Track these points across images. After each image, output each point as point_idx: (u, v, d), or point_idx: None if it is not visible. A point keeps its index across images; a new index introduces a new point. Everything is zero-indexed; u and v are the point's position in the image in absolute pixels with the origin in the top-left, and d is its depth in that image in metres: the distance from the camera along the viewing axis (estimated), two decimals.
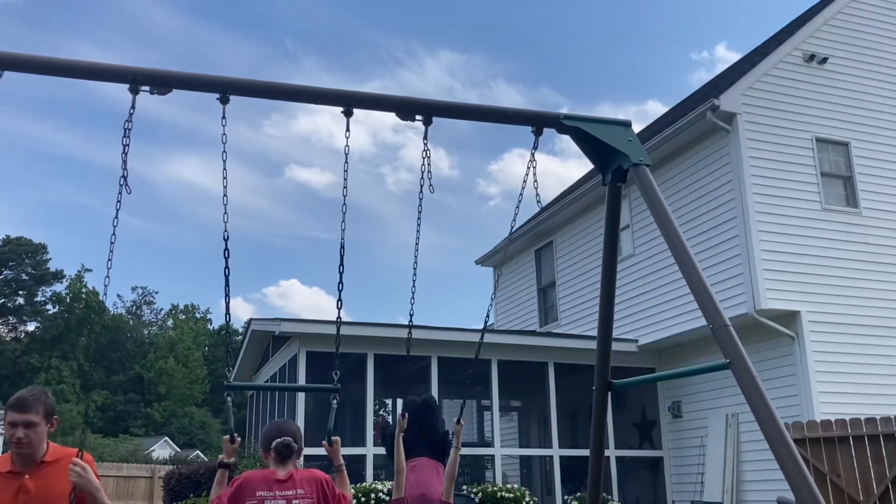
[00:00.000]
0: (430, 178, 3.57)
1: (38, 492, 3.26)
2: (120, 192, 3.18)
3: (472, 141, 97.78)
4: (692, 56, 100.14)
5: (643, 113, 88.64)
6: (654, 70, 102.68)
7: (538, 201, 3.73)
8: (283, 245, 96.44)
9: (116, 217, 3.12)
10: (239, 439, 3.49)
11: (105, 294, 3.23)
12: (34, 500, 3.25)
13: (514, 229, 3.99)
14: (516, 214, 3.81)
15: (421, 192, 3.63)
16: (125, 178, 3.18)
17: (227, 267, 3.35)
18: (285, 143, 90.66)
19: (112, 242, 3.13)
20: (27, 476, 3.28)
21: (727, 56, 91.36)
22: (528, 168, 3.65)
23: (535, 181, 3.65)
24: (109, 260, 3.16)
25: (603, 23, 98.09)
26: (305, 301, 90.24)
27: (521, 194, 3.67)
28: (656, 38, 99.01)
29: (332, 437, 3.57)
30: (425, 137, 3.52)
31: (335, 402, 3.58)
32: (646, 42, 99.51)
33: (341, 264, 3.50)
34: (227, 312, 3.42)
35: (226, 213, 3.30)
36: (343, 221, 3.43)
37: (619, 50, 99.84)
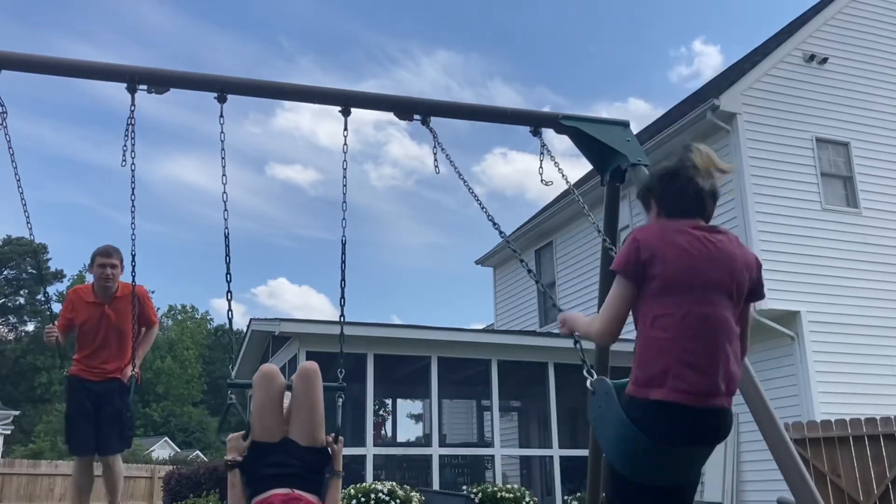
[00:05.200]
0: (436, 169, 3.56)
1: (115, 317, 5.02)
2: (133, 198, 3.22)
3: (455, 141, 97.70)
4: (670, 52, 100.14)
5: (626, 111, 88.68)
6: (635, 68, 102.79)
7: (547, 183, 3.67)
8: (269, 244, 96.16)
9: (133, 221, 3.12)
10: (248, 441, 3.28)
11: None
12: (113, 323, 5.02)
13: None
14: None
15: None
16: (133, 180, 3.23)
17: (227, 255, 3.33)
18: (266, 141, 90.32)
19: (132, 255, 3.14)
20: (106, 306, 5.03)
21: (705, 50, 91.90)
22: (540, 160, 3.64)
23: (541, 172, 3.64)
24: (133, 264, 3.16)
25: (590, 22, 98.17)
26: (296, 299, 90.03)
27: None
28: (635, 36, 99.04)
29: (339, 437, 3.40)
30: (436, 138, 3.52)
31: (341, 399, 3.52)
32: (626, 40, 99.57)
33: (343, 262, 3.49)
34: (230, 309, 3.37)
35: (226, 210, 3.30)
36: (344, 219, 3.43)
37: (606, 49, 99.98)
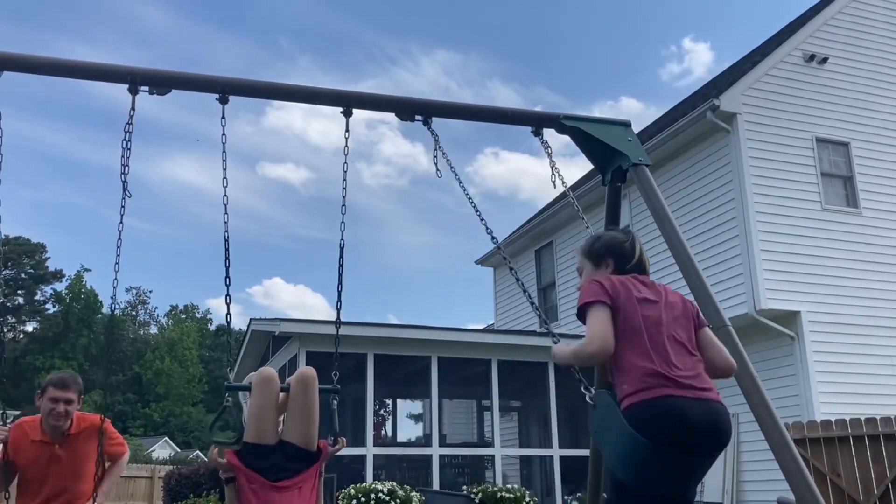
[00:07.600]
0: (439, 166, 3.56)
1: (69, 459, 3.96)
2: (123, 198, 3.18)
3: (449, 141, 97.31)
4: (661, 51, 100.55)
5: (618, 110, 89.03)
6: (626, 67, 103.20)
7: (556, 181, 3.68)
8: (264, 243, 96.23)
9: (121, 222, 3.12)
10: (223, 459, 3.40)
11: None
12: (65, 466, 3.95)
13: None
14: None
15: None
16: (125, 182, 3.17)
17: (227, 260, 3.32)
18: (257, 139, 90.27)
19: (118, 248, 3.13)
20: (58, 446, 3.96)
21: (695, 48, 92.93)
22: (552, 164, 3.63)
23: (557, 175, 3.63)
24: (116, 264, 3.15)
25: (585, 22, 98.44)
26: (292, 299, 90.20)
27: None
28: (626, 36, 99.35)
29: (340, 438, 3.52)
30: (434, 136, 3.52)
31: (336, 401, 3.56)
32: (617, 39, 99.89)
33: (340, 265, 3.49)
34: (228, 313, 3.40)
35: (226, 213, 3.30)
36: (343, 222, 3.43)
37: (599, 48, 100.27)
